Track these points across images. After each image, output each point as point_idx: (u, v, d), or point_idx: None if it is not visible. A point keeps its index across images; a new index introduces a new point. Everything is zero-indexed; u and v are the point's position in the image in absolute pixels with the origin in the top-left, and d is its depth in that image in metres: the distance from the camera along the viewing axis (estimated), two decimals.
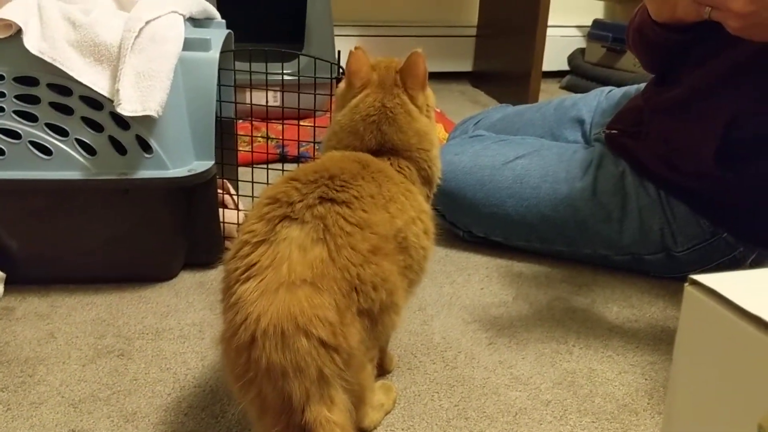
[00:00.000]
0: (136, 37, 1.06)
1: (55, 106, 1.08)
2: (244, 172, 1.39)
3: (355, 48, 0.87)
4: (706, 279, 0.37)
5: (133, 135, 1.09)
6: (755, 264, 1.24)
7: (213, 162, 1.16)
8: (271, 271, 0.65)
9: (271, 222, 0.69)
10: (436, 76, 2.69)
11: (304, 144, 1.71)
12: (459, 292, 1.22)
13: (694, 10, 0.98)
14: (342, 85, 0.91)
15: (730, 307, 0.36)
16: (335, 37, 2.11)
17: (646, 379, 1.00)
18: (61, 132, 1.08)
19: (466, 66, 2.78)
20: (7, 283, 1.15)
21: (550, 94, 2.58)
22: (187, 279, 1.23)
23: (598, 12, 2.90)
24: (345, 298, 0.66)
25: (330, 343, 0.64)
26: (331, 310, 0.64)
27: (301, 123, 1.35)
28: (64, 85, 1.07)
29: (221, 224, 1.24)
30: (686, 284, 0.38)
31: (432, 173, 0.91)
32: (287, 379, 0.63)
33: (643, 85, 1.35)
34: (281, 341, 0.62)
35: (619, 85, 1.72)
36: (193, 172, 1.13)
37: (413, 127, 0.87)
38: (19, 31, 1.04)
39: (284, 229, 0.68)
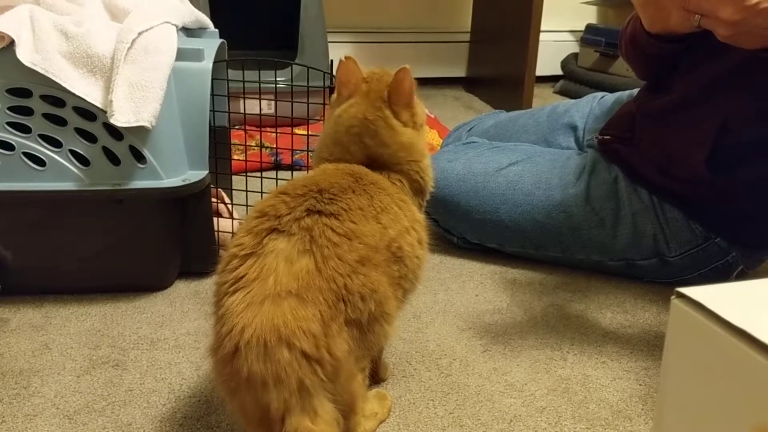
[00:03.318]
0: (129, 48, 1.06)
1: (48, 117, 1.08)
2: (238, 181, 1.40)
3: (346, 57, 0.87)
4: (692, 292, 0.38)
5: (126, 145, 1.09)
6: (748, 269, 1.25)
7: (207, 171, 1.16)
8: (258, 284, 0.66)
9: (258, 235, 0.70)
10: (429, 82, 2.71)
11: (298, 152, 1.72)
12: (453, 299, 1.23)
13: (687, 21, 0.99)
14: (335, 95, 0.92)
15: (715, 321, 0.36)
16: (329, 44, 2.12)
17: (640, 385, 1.01)
18: (55, 143, 1.09)
19: (460, 71, 2.78)
20: (1, 295, 1.15)
21: (544, 98, 2.59)
22: (181, 288, 1.23)
23: (591, 17, 2.91)
24: (331, 309, 0.66)
25: (312, 355, 0.65)
26: (315, 322, 0.65)
27: (295, 131, 1.35)
28: (57, 97, 1.07)
29: (216, 233, 1.25)
30: (673, 297, 0.39)
31: (424, 183, 0.91)
32: (266, 390, 0.64)
33: (635, 91, 1.36)
34: (263, 352, 0.64)
35: (612, 89, 1.73)
36: (187, 182, 1.13)
37: (397, 141, 0.87)
38: (12, 42, 1.05)
39: (271, 242, 0.69)
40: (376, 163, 0.87)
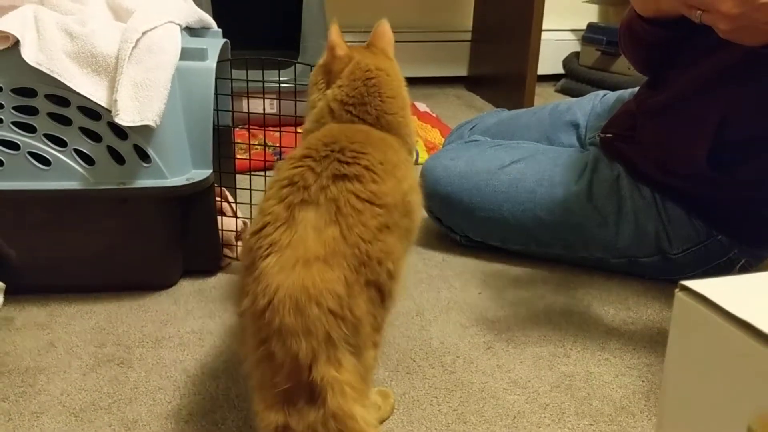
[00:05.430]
0: (134, 47, 1.06)
1: (53, 116, 1.08)
2: (242, 180, 1.40)
3: (334, 23, 0.91)
4: (695, 285, 0.38)
5: (131, 145, 1.10)
6: (749, 265, 1.25)
7: (211, 171, 1.16)
8: (290, 249, 0.72)
9: (290, 207, 0.75)
10: (431, 81, 2.71)
11: None
12: (457, 296, 1.23)
13: (678, 5, 0.99)
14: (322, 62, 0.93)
15: (719, 312, 0.37)
16: None
17: (643, 381, 1.01)
18: (60, 142, 1.09)
19: (462, 70, 2.79)
20: (7, 293, 1.15)
21: (546, 97, 2.59)
22: (186, 287, 1.23)
23: (592, 15, 2.91)
24: (353, 273, 0.72)
25: (338, 312, 0.70)
26: (339, 284, 0.71)
27: (298, 130, 1.35)
28: (62, 96, 1.07)
29: (219, 232, 1.25)
30: (676, 290, 0.39)
31: (411, 144, 0.94)
32: (296, 339, 0.69)
33: (636, 89, 1.36)
34: (295, 307, 0.69)
35: (613, 88, 1.73)
36: (191, 181, 1.13)
37: (397, 92, 0.92)
38: (17, 42, 1.05)
39: (301, 212, 0.74)
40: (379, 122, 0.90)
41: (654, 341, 1.11)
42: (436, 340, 1.10)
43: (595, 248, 1.29)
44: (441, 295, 1.24)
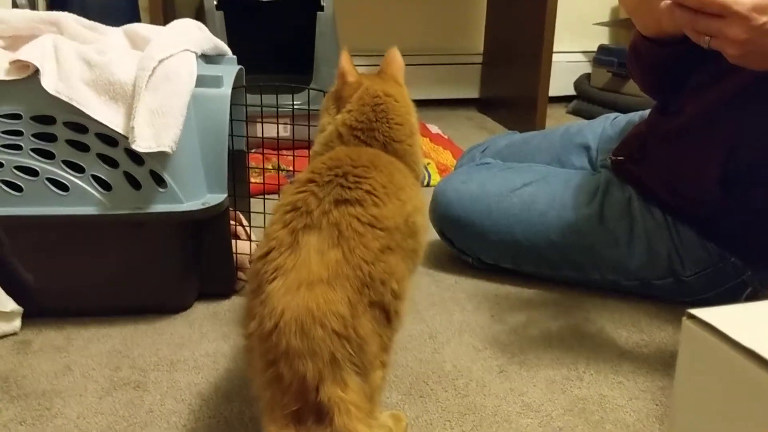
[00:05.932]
0: (150, 75, 1.09)
1: (71, 143, 1.10)
2: (255, 203, 1.41)
3: (344, 51, 0.93)
4: (703, 313, 0.39)
5: (147, 170, 1.11)
6: (762, 288, 1.24)
7: (225, 195, 1.18)
8: (294, 272, 0.74)
9: (294, 232, 0.77)
10: (443, 103, 2.73)
11: None
12: (469, 319, 1.23)
13: (686, 31, 0.99)
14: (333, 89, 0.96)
15: (726, 341, 0.37)
16: None
17: (656, 405, 1.01)
18: (78, 168, 1.11)
19: (473, 93, 2.80)
20: (24, 317, 1.17)
21: (557, 118, 2.60)
22: (200, 310, 1.24)
23: (603, 37, 2.93)
24: (357, 294, 0.74)
25: (342, 333, 0.72)
26: (343, 305, 0.72)
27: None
28: (80, 123, 1.09)
29: (234, 255, 1.26)
30: (684, 318, 0.40)
31: (418, 171, 0.95)
32: (302, 360, 0.70)
33: (647, 112, 1.37)
34: (300, 330, 0.71)
35: (625, 109, 1.74)
36: (206, 206, 1.15)
37: (405, 118, 0.93)
38: (37, 71, 1.08)
39: (305, 236, 0.76)
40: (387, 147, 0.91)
41: (667, 364, 1.11)
42: (449, 363, 1.10)
43: (607, 270, 1.29)
44: (453, 317, 1.24)
